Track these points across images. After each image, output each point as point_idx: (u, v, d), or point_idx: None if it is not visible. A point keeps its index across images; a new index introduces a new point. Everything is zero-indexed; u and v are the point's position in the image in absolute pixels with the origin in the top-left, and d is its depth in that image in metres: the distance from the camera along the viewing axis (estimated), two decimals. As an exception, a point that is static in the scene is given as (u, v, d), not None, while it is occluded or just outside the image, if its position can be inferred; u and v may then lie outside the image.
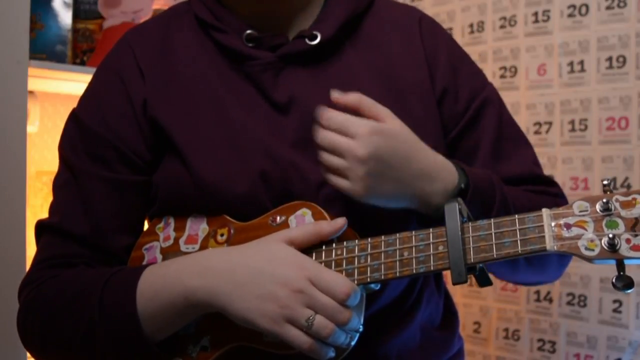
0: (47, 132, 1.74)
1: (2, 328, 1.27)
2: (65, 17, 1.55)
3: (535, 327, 1.65)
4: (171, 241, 0.87)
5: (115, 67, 0.91)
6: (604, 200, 0.67)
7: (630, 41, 1.48)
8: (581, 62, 1.56)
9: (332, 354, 0.75)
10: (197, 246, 0.85)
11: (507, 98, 1.72)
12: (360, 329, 0.76)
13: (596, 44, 1.54)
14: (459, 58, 0.95)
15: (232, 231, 0.83)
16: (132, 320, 0.77)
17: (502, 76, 1.73)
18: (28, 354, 1.29)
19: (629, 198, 0.67)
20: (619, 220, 0.66)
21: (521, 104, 1.69)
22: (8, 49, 1.31)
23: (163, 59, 0.90)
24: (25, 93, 1.33)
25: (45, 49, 1.52)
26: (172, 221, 0.88)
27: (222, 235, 0.84)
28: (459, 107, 0.91)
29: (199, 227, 0.86)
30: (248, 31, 0.88)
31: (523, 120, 1.68)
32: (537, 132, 1.65)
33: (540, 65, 1.65)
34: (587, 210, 0.68)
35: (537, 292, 1.64)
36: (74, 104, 0.93)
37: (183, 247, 0.86)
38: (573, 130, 1.58)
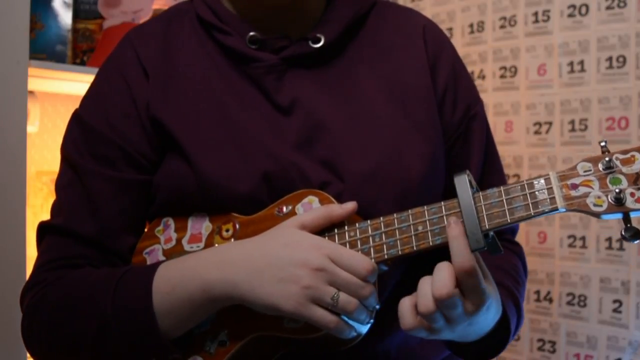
0: (47, 132, 1.74)
1: (2, 328, 1.27)
2: (65, 17, 1.55)
3: (535, 327, 1.65)
4: (173, 242, 0.86)
5: (119, 67, 0.90)
6: (606, 159, 0.70)
7: (630, 41, 1.48)
8: (581, 62, 1.57)
9: (354, 332, 0.75)
10: (201, 244, 0.85)
11: (507, 98, 1.72)
12: (377, 307, 0.76)
13: (596, 44, 1.54)
14: (459, 69, 0.96)
15: (237, 226, 0.83)
16: (147, 315, 0.76)
17: (502, 76, 1.73)
18: (28, 354, 1.30)
19: (628, 155, 0.70)
20: (622, 177, 0.70)
21: (521, 104, 1.69)
22: (8, 49, 1.31)
23: (165, 59, 0.90)
24: (25, 93, 1.33)
25: (45, 49, 1.52)
26: (171, 222, 0.88)
27: (227, 230, 0.84)
28: (456, 116, 0.93)
29: (201, 226, 0.86)
30: (251, 33, 0.88)
31: (523, 120, 1.68)
32: (537, 132, 1.65)
33: (540, 65, 1.65)
34: (590, 170, 0.71)
35: (537, 292, 1.64)
36: (74, 104, 0.93)
37: (187, 247, 0.85)
38: (573, 130, 1.58)
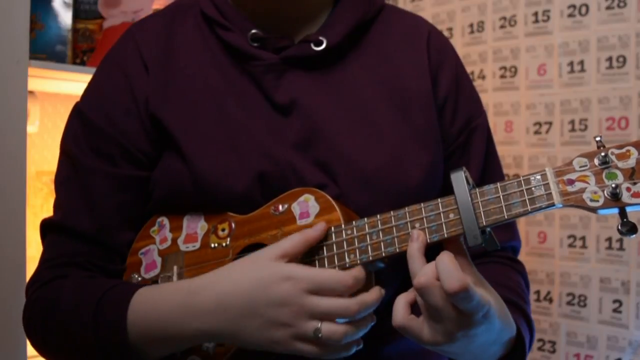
0: (47, 132, 1.74)
1: (2, 328, 1.27)
2: (65, 17, 1.55)
3: (536, 327, 1.65)
4: (169, 242, 0.86)
5: (120, 62, 0.90)
6: (602, 154, 0.71)
7: (630, 41, 1.48)
8: (581, 62, 1.57)
9: (355, 347, 0.75)
10: (197, 244, 0.84)
11: (507, 98, 1.72)
12: (373, 322, 0.76)
13: (596, 44, 1.54)
14: (463, 79, 0.96)
15: (233, 225, 0.83)
16: (124, 348, 0.76)
17: (502, 76, 1.73)
18: (28, 354, 1.30)
19: (624, 150, 0.70)
20: (617, 172, 0.70)
21: (521, 104, 1.69)
22: (8, 49, 1.31)
23: (167, 54, 0.90)
24: (25, 93, 1.33)
25: (45, 49, 1.52)
26: (166, 222, 0.87)
27: (223, 230, 0.84)
28: (455, 127, 0.92)
29: (197, 225, 0.86)
30: (253, 30, 0.88)
31: (523, 120, 1.68)
32: (537, 132, 1.65)
33: (540, 65, 1.65)
34: (586, 165, 0.71)
35: (537, 292, 1.64)
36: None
37: (182, 247, 0.85)
38: (573, 130, 1.58)
